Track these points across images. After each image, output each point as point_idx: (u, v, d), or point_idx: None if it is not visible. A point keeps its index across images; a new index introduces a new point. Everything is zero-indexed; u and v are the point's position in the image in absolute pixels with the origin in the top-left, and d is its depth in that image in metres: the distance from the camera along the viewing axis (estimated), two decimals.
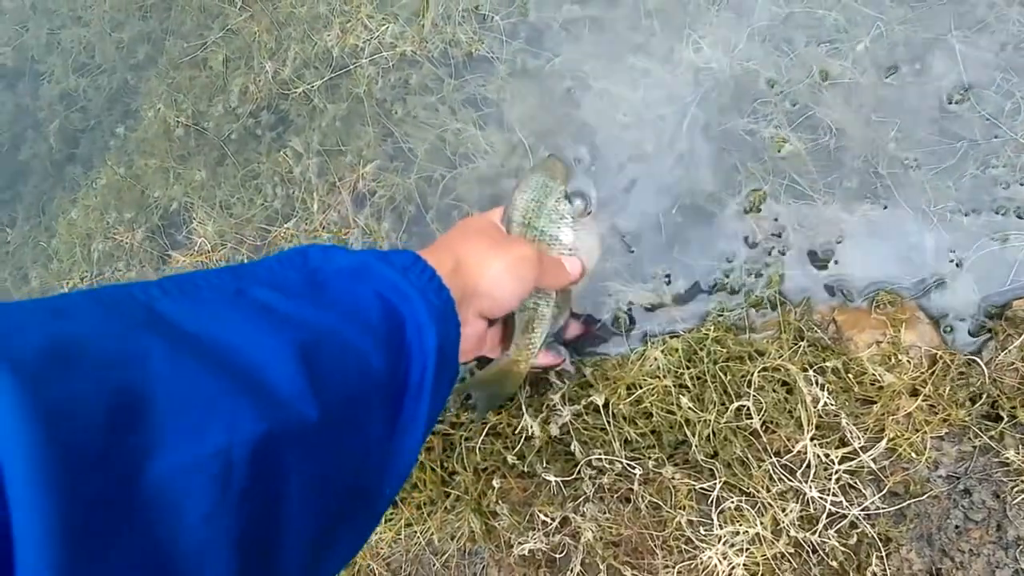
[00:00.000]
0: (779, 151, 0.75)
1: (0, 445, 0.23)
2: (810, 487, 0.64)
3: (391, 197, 0.87)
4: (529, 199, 0.67)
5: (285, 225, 0.92)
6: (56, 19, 1.20)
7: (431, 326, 0.44)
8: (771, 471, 0.66)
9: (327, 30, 0.94)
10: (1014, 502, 0.61)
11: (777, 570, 0.64)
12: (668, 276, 0.76)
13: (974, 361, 0.65)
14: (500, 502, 0.73)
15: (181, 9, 1.07)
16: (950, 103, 0.72)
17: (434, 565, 0.76)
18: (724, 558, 0.64)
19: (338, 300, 0.42)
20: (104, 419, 0.26)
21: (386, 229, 0.87)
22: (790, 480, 0.65)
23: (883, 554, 0.62)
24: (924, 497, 0.63)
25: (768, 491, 0.65)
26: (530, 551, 0.70)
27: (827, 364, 0.67)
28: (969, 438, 0.64)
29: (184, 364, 0.31)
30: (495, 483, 0.73)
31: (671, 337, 0.74)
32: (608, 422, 0.71)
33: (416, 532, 0.76)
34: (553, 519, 0.70)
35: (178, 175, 1.01)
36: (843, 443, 0.65)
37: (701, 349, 0.71)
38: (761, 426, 0.66)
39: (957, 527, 0.62)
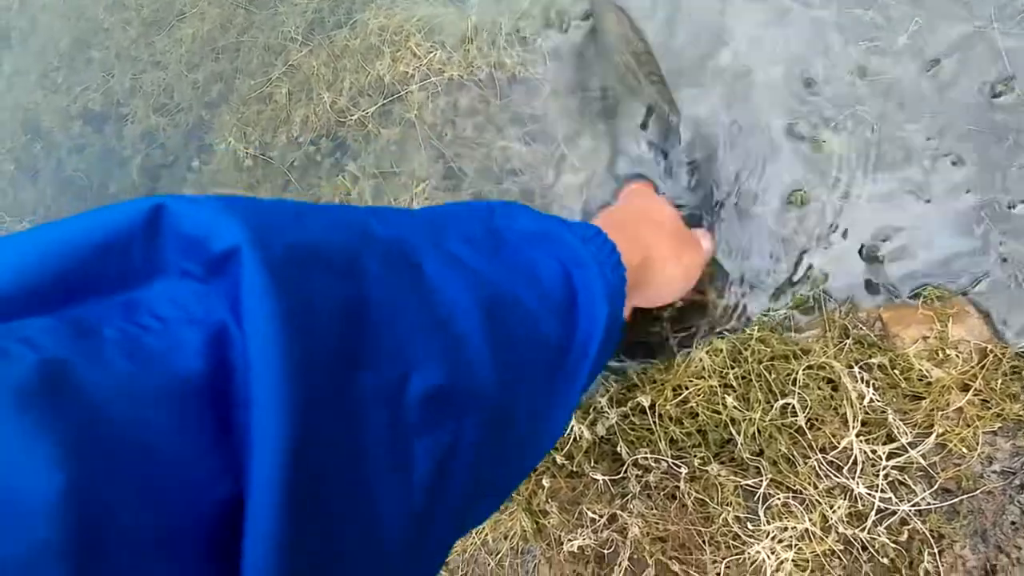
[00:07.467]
0: (820, 149, 0.75)
1: (251, 340, 0.24)
2: (857, 483, 0.64)
3: None
4: None
5: None
6: (138, 65, 1.31)
7: (604, 301, 0.43)
8: (817, 468, 0.66)
9: (379, 60, 1.00)
10: None
11: (827, 566, 0.64)
12: (713, 277, 0.77)
13: None
14: (550, 501, 0.75)
15: (248, 49, 1.16)
16: (994, 96, 0.71)
17: (489, 564, 0.78)
18: (772, 553, 0.65)
19: (518, 261, 0.42)
20: (336, 326, 0.27)
21: None
22: (837, 477, 0.65)
23: (936, 551, 0.61)
24: (977, 493, 0.62)
25: (815, 488, 0.65)
26: (579, 547, 0.72)
27: (873, 361, 0.67)
28: None
29: (398, 288, 0.31)
30: (545, 483, 0.75)
31: (717, 338, 0.75)
32: (654, 423, 0.72)
33: (471, 532, 0.79)
34: (601, 516, 0.72)
35: None
36: (890, 439, 0.64)
37: (746, 349, 0.72)
38: (806, 423, 0.67)
39: (1013, 523, 0.60)
